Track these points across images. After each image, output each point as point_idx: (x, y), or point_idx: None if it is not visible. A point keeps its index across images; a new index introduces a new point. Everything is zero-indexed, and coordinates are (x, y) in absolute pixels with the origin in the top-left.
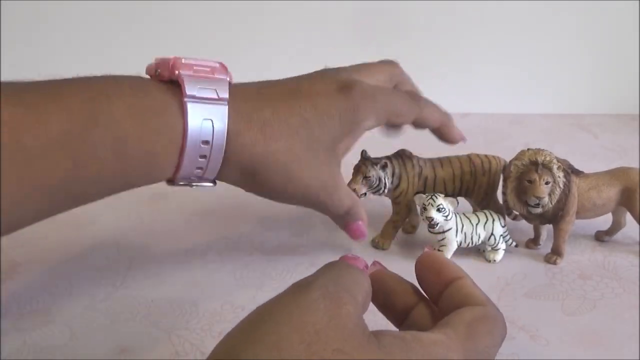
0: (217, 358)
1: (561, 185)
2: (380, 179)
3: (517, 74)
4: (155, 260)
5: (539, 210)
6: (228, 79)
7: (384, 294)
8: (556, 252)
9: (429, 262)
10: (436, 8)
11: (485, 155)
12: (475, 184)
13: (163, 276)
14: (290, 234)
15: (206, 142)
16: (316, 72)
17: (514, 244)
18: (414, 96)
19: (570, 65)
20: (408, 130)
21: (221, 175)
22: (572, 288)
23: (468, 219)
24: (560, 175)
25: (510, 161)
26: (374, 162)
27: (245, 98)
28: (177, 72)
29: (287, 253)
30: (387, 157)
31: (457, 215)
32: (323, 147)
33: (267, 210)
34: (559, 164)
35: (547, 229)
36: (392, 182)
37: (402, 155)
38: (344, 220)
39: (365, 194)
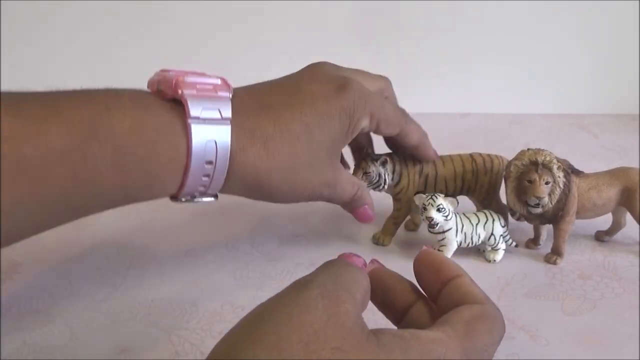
0: (217, 357)
1: (561, 185)
2: (380, 175)
3: (517, 74)
4: (155, 260)
5: (539, 210)
6: (230, 95)
7: (383, 292)
8: (556, 252)
9: (428, 260)
10: (436, 8)
11: (488, 155)
12: (477, 183)
13: (163, 276)
14: (290, 234)
15: (210, 162)
16: (312, 69)
17: (514, 244)
18: (402, 110)
19: (570, 65)
20: None
21: (225, 189)
22: (572, 288)
23: (468, 219)
24: (560, 175)
25: (510, 161)
26: (375, 158)
27: (248, 114)
28: (180, 91)
29: (287, 253)
30: (389, 154)
31: (457, 215)
32: (324, 147)
33: (267, 210)
34: (559, 164)
35: (547, 229)
36: (392, 179)
37: (403, 153)
38: (351, 206)
39: None
